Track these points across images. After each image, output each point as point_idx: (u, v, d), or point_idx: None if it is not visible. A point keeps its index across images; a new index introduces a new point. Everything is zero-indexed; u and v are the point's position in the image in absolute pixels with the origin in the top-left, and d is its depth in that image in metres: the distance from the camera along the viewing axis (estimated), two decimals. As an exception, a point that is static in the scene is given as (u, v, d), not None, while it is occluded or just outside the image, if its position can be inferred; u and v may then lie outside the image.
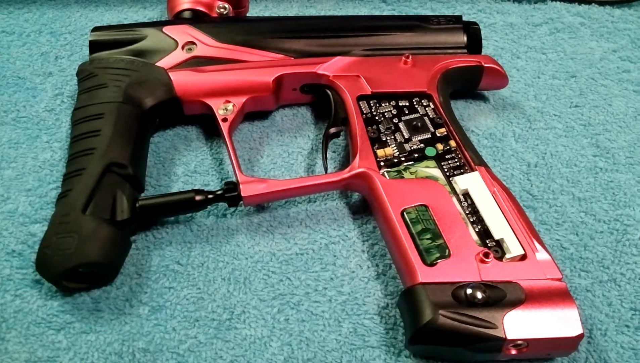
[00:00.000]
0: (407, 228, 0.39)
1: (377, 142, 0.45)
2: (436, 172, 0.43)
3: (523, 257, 0.38)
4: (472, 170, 0.43)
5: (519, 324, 0.35)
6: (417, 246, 0.39)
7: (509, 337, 0.34)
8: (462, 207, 0.41)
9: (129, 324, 0.39)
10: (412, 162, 0.44)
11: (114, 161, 0.42)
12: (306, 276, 0.42)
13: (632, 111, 0.54)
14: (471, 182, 0.42)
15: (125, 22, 0.61)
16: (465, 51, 0.51)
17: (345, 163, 0.48)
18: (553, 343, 0.36)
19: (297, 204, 0.46)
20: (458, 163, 0.43)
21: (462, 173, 0.43)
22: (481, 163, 0.43)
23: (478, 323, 0.35)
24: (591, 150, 0.50)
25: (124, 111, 0.45)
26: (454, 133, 0.45)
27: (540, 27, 0.62)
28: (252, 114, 0.51)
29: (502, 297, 0.36)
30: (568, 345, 0.36)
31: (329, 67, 0.49)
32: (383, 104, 0.47)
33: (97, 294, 0.41)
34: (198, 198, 0.42)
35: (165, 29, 0.50)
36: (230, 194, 0.43)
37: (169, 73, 0.48)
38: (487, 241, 0.39)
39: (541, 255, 0.38)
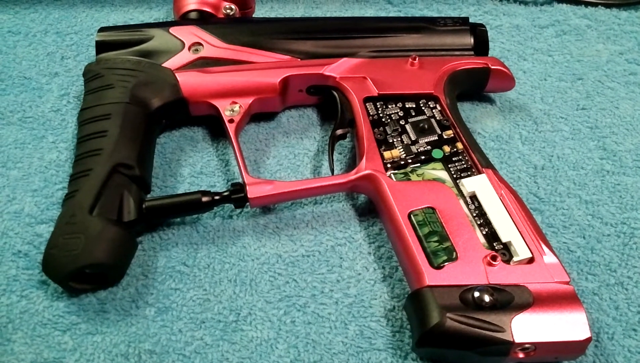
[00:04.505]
0: (414, 231, 0.39)
1: (384, 144, 0.45)
2: (443, 174, 0.43)
3: (530, 260, 0.38)
4: (479, 172, 0.43)
5: (527, 328, 0.35)
6: (424, 249, 0.38)
7: (517, 340, 0.34)
8: (470, 210, 0.41)
9: (135, 325, 0.39)
10: (418, 164, 0.44)
11: (120, 161, 0.42)
12: (312, 278, 0.42)
13: (638, 113, 0.53)
14: (478, 184, 0.42)
15: (132, 23, 0.61)
16: (472, 52, 0.51)
17: (351, 164, 0.48)
18: (561, 347, 0.35)
19: (303, 206, 0.46)
20: (465, 165, 0.43)
21: (469, 175, 0.43)
22: (488, 165, 0.43)
23: (486, 327, 0.35)
24: (598, 153, 0.50)
25: (131, 111, 0.45)
26: (461, 135, 0.45)
27: (547, 29, 0.62)
28: (259, 116, 0.51)
29: (509, 300, 0.36)
30: (576, 348, 0.36)
31: (336, 69, 0.49)
32: (390, 106, 0.47)
33: (103, 295, 0.40)
34: (204, 199, 0.42)
35: (172, 29, 0.50)
36: (236, 195, 0.42)
37: (176, 74, 0.48)
38: (495, 244, 0.39)
39: (549, 258, 0.38)
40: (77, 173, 0.42)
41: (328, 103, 0.50)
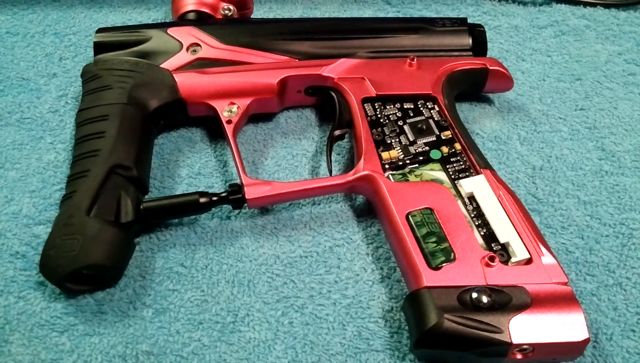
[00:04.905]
0: (412, 232, 0.39)
1: (382, 145, 0.45)
2: (441, 175, 0.43)
3: (529, 261, 0.38)
4: (478, 173, 0.43)
5: (525, 328, 0.35)
6: (422, 250, 0.38)
7: (515, 341, 0.34)
8: (468, 210, 0.41)
9: (132, 327, 0.39)
10: (417, 165, 0.44)
11: (118, 162, 0.42)
12: (310, 279, 0.42)
13: (637, 114, 0.53)
14: (476, 185, 0.41)
15: (130, 24, 0.61)
16: (470, 53, 0.51)
17: (349, 165, 0.48)
18: (559, 348, 0.35)
19: (302, 207, 0.46)
20: (463, 166, 0.43)
21: (467, 176, 0.42)
22: (486, 165, 0.43)
23: (483, 328, 0.35)
24: (596, 153, 0.50)
25: (129, 112, 0.45)
26: (459, 136, 0.45)
27: (546, 29, 0.61)
28: (257, 116, 0.51)
29: (507, 301, 0.36)
30: (574, 349, 0.36)
31: (334, 69, 0.49)
32: (388, 107, 0.47)
33: (100, 296, 0.40)
34: (202, 200, 0.42)
35: (170, 30, 0.50)
36: (234, 196, 0.42)
37: (174, 75, 0.48)
38: (493, 245, 0.39)
39: (547, 259, 0.38)
40: (75, 174, 0.42)
41: (326, 104, 0.50)
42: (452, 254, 0.38)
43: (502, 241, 0.39)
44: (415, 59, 0.49)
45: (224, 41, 0.50)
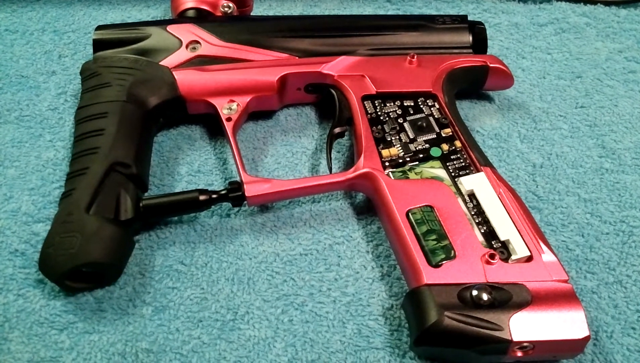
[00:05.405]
0: (412, 229, 0.39)
1: (382, 142, 0.45)
2: (441, 172, 0.43)
3: (529, 258, 0.38)
4: (478, 171, 0.42)
5: (525, 326, 0.35)
6: (422, 247, 0.38)
7: (515, 339, 0.34)
8: (468, 208, 0.41)
9: (132, 324, 0.39)
10: (417, 162, 0.43)
11: (117, 160, 0.42)
12: (310, 277, 0.42)
13: (638, 111, 0.53)
14: (477, 183, 0.41)
15: (129, 21, 0.61)
16: (470, 50, 0.51)
17: (349, 163, 0.48)
18: (559, 346, 0.35)
19: (301, 205, 0.46)
20: (463, 164, 0.43)
21: (467, 174, 0.42)
22: (487, 163, 0.43)
23: (484, 325, 0.35)
24: (597, 151, 0.50)
25: (128, 110, 0.45)
26: (460, 133, 0.45)
27: (546, 27, 0.61)
28: (256, 114, 0.51)
29: (508, 299, 0.36)
30: (574, 347, 0.36)
31: (334, 67, 0.49)
32: (388, 104, 0.47)
33: (100, 294, 0.40)
34: (202, 197, 0.42)
35: (170, 27, 0.50)
36: (234, 194, 0.42)
37: (173, 72, 0.48)
38: (493, 243, 0.39)
39: (547, 256, 0.38)
40: (74, 172, 0.42)
41: (326, 101, 0.50)
42: (453, 251, 0.38)
43: (502, 238, 0.39)
44: (416, 57, 0.49)
45: (223, 39, 0.50)
